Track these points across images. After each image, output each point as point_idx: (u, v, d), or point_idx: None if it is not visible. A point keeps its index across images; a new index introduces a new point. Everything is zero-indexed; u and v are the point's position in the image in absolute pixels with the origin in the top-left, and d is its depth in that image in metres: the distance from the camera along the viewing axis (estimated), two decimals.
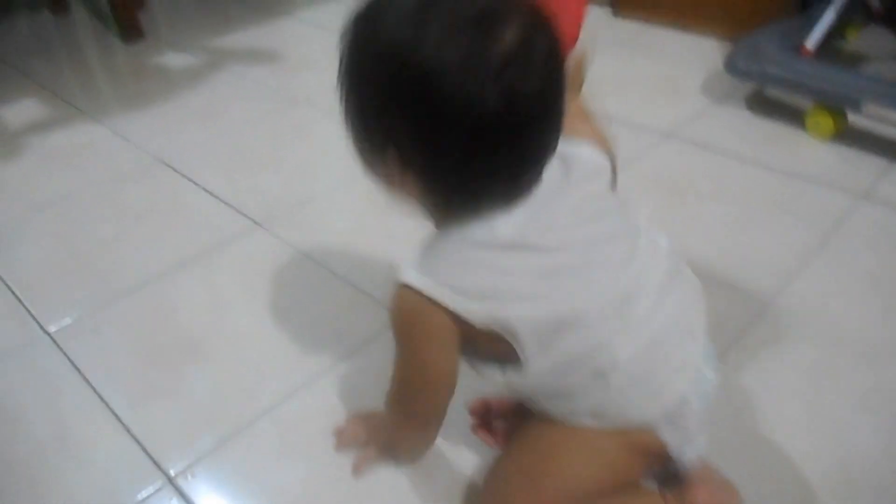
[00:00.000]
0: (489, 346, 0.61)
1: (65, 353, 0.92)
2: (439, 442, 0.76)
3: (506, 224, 0.59)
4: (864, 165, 1.20)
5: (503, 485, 0.67)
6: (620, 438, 0.63)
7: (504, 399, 0.78)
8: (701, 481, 0.67)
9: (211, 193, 1.22)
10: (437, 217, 0.63)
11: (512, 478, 0.67)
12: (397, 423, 0.72)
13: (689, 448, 0.64)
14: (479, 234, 0.59)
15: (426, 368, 0.64)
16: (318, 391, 0.85)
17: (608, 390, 0.60)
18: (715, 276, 0.97)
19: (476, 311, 0.59)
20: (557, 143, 0.59)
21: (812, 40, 1.34)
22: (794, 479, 0.72)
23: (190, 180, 1.27)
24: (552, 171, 0.61)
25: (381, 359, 0.87)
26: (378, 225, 1.12)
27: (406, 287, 0.60)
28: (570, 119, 0.64)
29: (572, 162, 0.63)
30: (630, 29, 1.78)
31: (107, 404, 0.84)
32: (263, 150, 1.36)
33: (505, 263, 0.59)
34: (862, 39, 1.62)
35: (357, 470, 0.76)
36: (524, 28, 0.53)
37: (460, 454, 0.77)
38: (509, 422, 0.77)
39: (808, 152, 1.24)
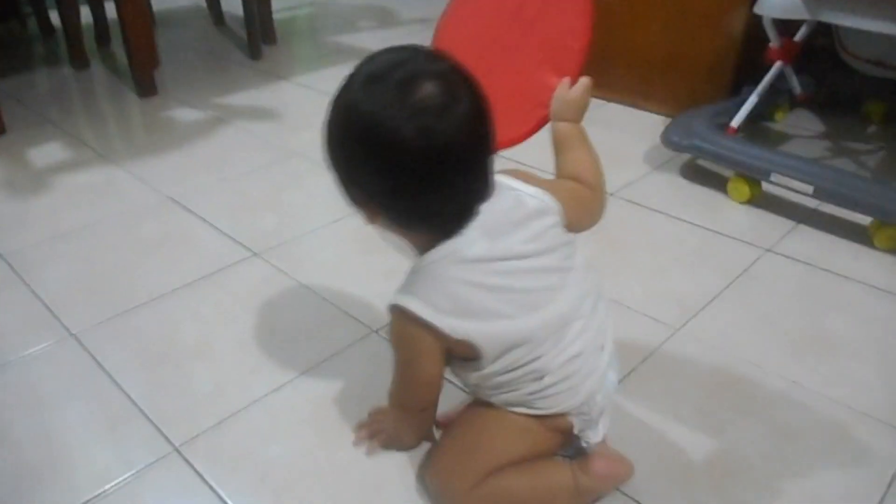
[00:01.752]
0: (458, 349, 0.76)
1: (88, 351, 1.09)
2: None
3: (472, 249, 0.73)
4: (774, 225, 1.41)
5: (445, 456, 0.85)
6: (540, 420, 0.81)
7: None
8: (601, 456, 0.84)
9: (215, 227, 1.42)
10: (413, 244, 0.78)
11: (452, 450, 0.84)
12: (397, 413, 0.89)
13: (592, 431, 0.83)
14: (452, 256, 0.73)
15: (418, 375, 0.81)
16: (302, 386, 1.02)
17: (539, 388, 0.78)
18: (636, 308, 1.17)
19: (453, 326, 0.73)
20: (488, 178, 0.74)
21: (737, 120, 1.58)
22: (681, 464, 0.90)
23: (198, 216, 1.46)
24: (506, 204, 0.75)
25: (354, 363, 1.06)
26: (356, 258, 1.32)
27: (398, 309, 0.75)
28: (521, 175, 0.81)
29: (524, 200, 0.77)
30: None
31: (124, 392, 1.01)
32: (262, 193, 1.55)
33: (475, 278, 0.73)
34: (788, 121, 1.87)
35: (369, 450, 0.91)
36: (443, 86, 0.68)
37: None
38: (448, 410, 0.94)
39: (727, 213, 1.46)
